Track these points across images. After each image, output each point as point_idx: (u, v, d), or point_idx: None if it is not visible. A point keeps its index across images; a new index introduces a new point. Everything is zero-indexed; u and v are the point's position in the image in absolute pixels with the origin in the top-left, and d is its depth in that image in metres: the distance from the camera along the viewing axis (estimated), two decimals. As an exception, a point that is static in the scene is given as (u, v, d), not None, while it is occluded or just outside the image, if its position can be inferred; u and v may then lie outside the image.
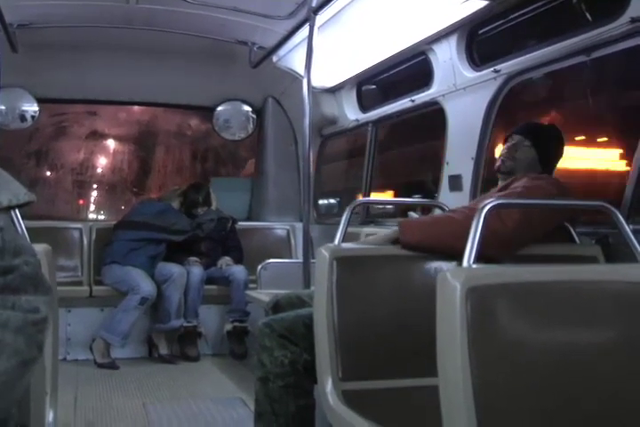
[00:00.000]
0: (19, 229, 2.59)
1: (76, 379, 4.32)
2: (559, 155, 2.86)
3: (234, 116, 6.12)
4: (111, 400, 3.93)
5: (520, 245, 2.41)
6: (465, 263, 1.82)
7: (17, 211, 2.54)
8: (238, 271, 5.10)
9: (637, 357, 1.78)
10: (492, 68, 3.46)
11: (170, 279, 4.88)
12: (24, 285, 1.31)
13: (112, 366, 4.71)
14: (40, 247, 2.24)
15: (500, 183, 2.83)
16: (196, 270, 5.04)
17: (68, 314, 4.85)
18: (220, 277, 5.15)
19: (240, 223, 5.62)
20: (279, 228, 5.87)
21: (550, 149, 2.82)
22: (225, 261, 5.23)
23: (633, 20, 2.57)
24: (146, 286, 4.78)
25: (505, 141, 2.91)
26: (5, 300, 1.27)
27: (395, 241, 2.48)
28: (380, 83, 5.17)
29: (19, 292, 1.30)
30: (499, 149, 3.12)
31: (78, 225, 5.50)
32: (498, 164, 2.87)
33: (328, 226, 5.19)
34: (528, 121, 3.10)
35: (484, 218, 1.89)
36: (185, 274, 4.95)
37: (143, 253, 5.00)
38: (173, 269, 4.95)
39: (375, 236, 2.63)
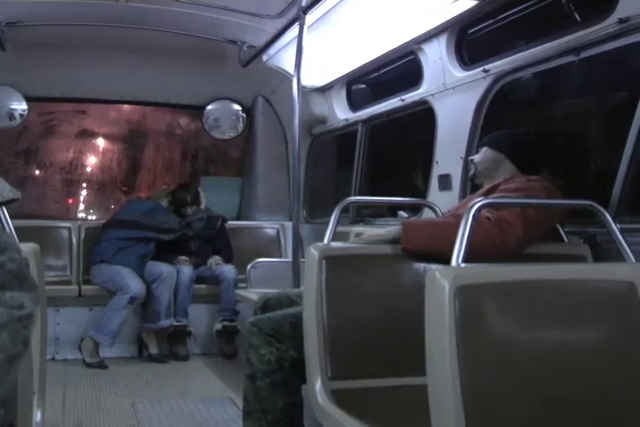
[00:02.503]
0: (5, 225, 2.59)
1: (65, 378, 4.31)
2: (529, 154, 2.86)
3: (224, 116, 6.12)
4: (100, 400, 3.91)
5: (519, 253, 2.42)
6: (453, 262, 1.83)
7: (4, 208, 2.53)
8: (228, 271, 5.09)
9: (625, 355, 1.79)
10: (481, 68, 3.47)
11: (159, 279, 4.87)
12: (9, 281, 1.31)
13: (101, 365, 4.69)
14: (29, 247, 2.23)
15: (485, 184, 2.85)
16: (186, 270, 5.03)
17: (57, 313, 4.83)
18: (209, 276, 5.14)
19: (230, 222, 5.62)
20: (269, 227, 5.87)
21: (505, 148, 2.84)
22: (215, 260, 5.23)
23: (621, 21, 2.58)
24: (134, 286, 4.77)
25: None
26: None
27: (393, 241, 2.47)
28: (369, 82, 5.17)
29: (3, 288, 1.29)
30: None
31: (67, 224, 5.48)
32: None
33: (318, 225, 5.19)
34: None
35: (473, 217, 1.90)
36: (174, 273, 4.94)
37: (132, 253, 4.99)
38: (163, 268, 4.93)
39: (371, 234, 2.61)
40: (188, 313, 5.01)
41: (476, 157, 2.93)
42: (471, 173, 2.97)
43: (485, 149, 2.90)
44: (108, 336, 4.72)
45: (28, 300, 1.32)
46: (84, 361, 4.73)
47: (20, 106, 5.61)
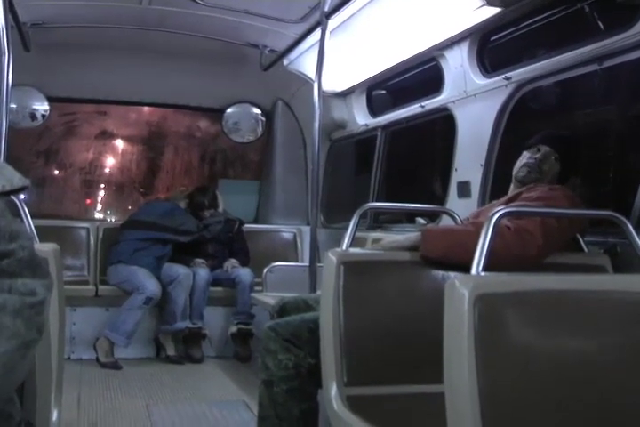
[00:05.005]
0: (24, 218, 2.60)
1: (80, 378, 4.32)
2: (579, 167, 2.85)
3: (243, 119, 6.13)
4: (114, 401, 3.93)
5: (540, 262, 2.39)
6: (473, 271, 1.82)
7: (20, 197, 2.55)
8: (244, 274, 5.09)
9: (645, 367, 1.77)
10: (502, 76, 3.46)
11: (176, 280, 4.88)
12: (20, 269, 1.31)
13: (115, 366, 4.71)
14: (49, 247, 2.24)
15: (513, 190, 2.81)
16: (203, 272, 5.04)
17: (74, 313, 4.85)
18: (225, 279, 5.15)
19: (247, 226, 5.62)
20: (286, 231, 5.87)
21: (575, 163, 2.80)
22: (231, 263, 5.23)
23: (646, 30, 2.57)
24: (150, 286, 4.79)
25: (526, 148, 2.84)
26: (1, 283, 1.28)
27: (411, 247, 2.46)
28: (390, 88, 5.17)
29: (15, 276, 1.30)
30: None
31: (86, 224, 5.51)
32: (522, 174, 2.77)
33: (335, 230, 5.19)
34: (553, 131, 3.04)
35: (494, 226, 1.89)
36: (191, 275, 4.95)
37: (149, 254, 5.01)
38: (179, 270, 4.95)
39: (389, 240, 2.60)
40: (204, 316, 5.02)
41: (548, 167, 2.75)
42: (532, 177, 2.74)
43: (558, 164, 2.75)
44: (124, 336, 4.74)
45: (40, 286, 1.33)
46: (97, 360, 4.75)
47: (42, 106, 5.67)
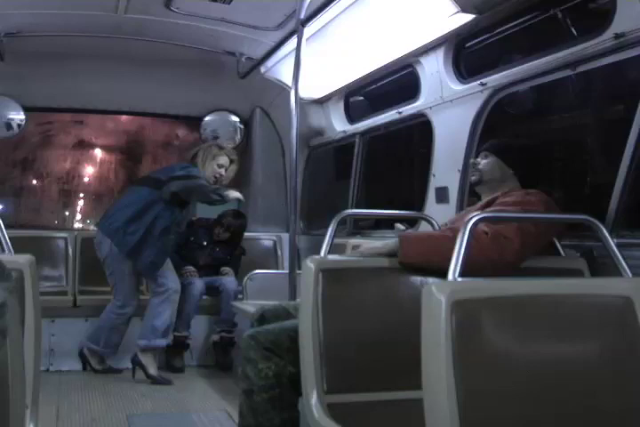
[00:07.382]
0: None
1: (59, 390, 4.26)
2: (536, 171, 2.88)
3: (221, 127, 6.12)
4: (94, 412, 3.87)
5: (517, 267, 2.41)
6: (450, 277, 1.82)
7: None
8: (229, 282, 5.03)
9: (621, 369, 1.78)
10: (478, 82, 3.48)
11: (165, 294, 4.58)
12: None
13: (165, 380, 4.51)
14: (24, 258, 2.22)
15: (483, 196, 2.85)
16: (198, 283, 4.93)
17: (52, 324, 4.78)
18: (209, 287, 5.08)
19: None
20: (266, 238, 5.86)
21: (510, 159, 2.84)
22: (226, 270, 5.18)
23: (617, 36, 2.60)
24: (174, 284, 4.60)
25: None
26: None
27: (389, 254, 2.47)
28: (367, 94, 5.19)
29: None
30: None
31: (63, 234, 5.46)
32: (471, 180, 2.95)
33: (315, 237, 5.18)
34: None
35: (470, 231, 1.89)
36: (180, 290, 4.69)
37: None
38: (170, 283, 4.63)
39: (368, 247, 2.60)
40: (191, 326, 4.92)
41: (483, 165, 2.87)
42: (474, 178, 2.89)
43: (495, 159, 2.85)
44: (164, 326, 4.54)
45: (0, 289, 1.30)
46: (147, 375, 4.52)
47: (18, 116, 5.61)
